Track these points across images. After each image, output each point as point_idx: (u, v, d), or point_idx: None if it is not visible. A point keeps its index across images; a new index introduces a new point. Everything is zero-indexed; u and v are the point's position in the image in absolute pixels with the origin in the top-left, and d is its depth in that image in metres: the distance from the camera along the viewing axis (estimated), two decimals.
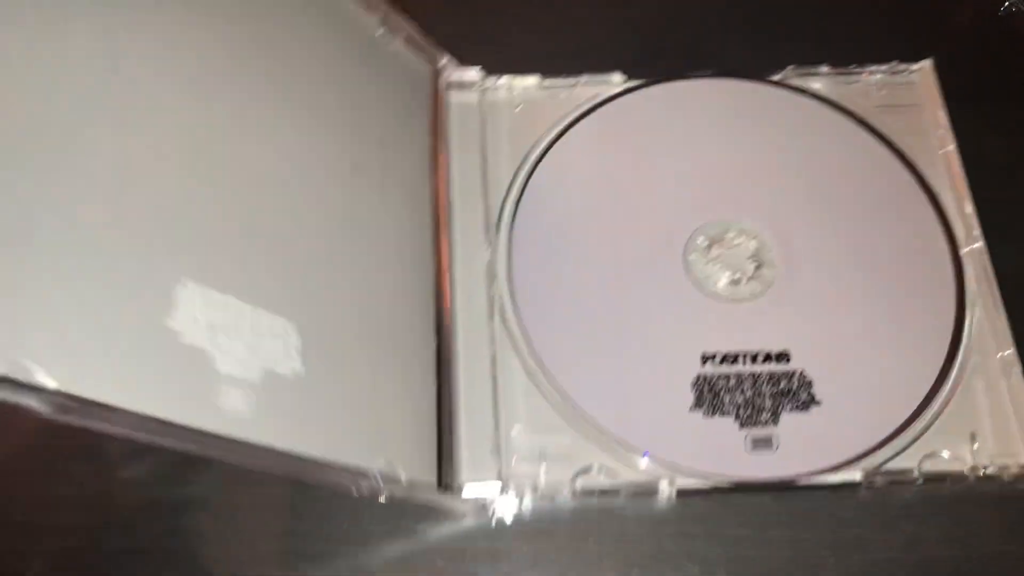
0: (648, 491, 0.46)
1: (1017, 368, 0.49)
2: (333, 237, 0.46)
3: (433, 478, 0.45)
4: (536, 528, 0.47)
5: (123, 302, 0.33)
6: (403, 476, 0.43)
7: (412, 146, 0.54)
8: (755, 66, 0.58)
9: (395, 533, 0.47)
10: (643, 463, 0.47)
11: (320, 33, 0.51)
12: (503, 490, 0.46)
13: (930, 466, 0.47)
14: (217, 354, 0.35)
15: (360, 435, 0.42)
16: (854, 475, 0.47)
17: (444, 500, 0.46)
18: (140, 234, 0.34)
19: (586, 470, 0.47)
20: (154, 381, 0.33)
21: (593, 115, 0.56)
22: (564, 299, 0.51)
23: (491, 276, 0.51)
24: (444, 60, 0.57)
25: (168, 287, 0.34)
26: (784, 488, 0.47)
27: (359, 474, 0.41)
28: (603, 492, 0.46)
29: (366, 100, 0.52)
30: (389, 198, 0.51)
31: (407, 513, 0.47)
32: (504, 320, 0.50)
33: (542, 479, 0.47)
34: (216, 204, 0.39)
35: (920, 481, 0.47)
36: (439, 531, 0.46)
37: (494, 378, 0.49)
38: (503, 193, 0.54)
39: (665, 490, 0.46)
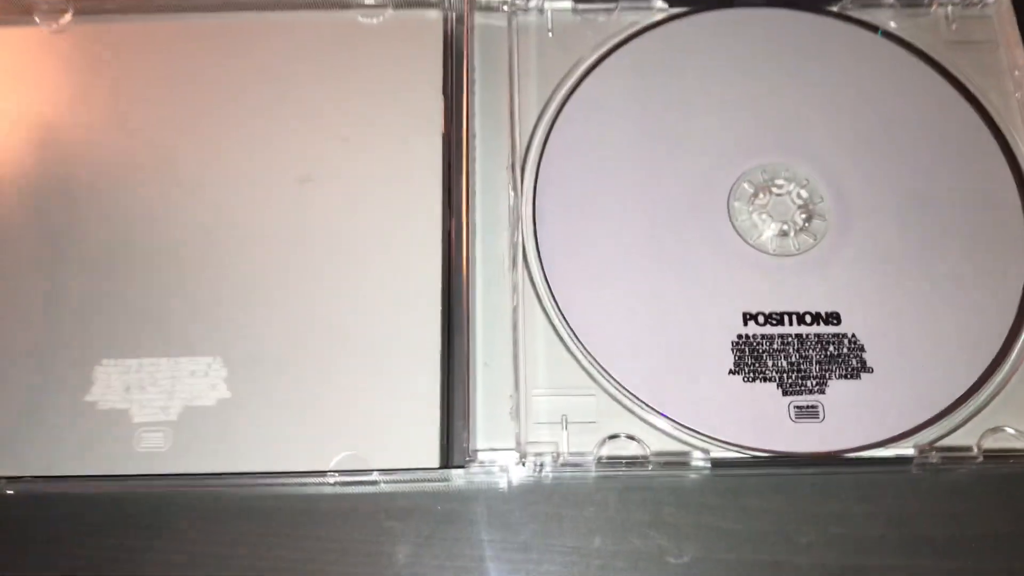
0: (680, 462, 0.43)
1: None
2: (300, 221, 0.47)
3: (434, 455, 0.42)
4: (557, 500, 0.43)
5: (51, 389, 0.44)
6: (375, 464, 0.42)
7: (421, 79, 0.49)
8: None
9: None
10: (675, 431, 0.43)
11: None
12: (521, 459, 0.42)
13: (992, 443, 0.43)
14: (134, 408, 0.43)
15: (311, 436, 0.43)
16: (907, 450, 0.43)
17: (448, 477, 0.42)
18: (64, 327, 0.45)
19: (613, 437, 0.43)
20: (78, 446, 0.43)
21: (632, 44, 0.51)
22: (593, 248, 0.46)
23: (514, 221, 0.46)
24: None
25: (87, 369, 0.44)
26: (830, 462, 0.43)
27: (316, 474, 0.42)
28: (630, 462, 0.42)
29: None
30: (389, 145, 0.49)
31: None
32: (528, 270, 0.46)
33: (565, 446, 0.43)
34: (140, 272, 0.46)
35: (980, 459, 0.43)
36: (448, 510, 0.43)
37: (515, 335, 0.44)
38: (530, 129, 0.49)
39: (699, 462, 0.42)
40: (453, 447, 0.43)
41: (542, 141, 0.48)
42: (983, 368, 0.44)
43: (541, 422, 0.43)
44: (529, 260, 0.46)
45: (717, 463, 0.42)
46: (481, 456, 0.42)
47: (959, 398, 0.43)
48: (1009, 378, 0.44)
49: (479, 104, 0.49)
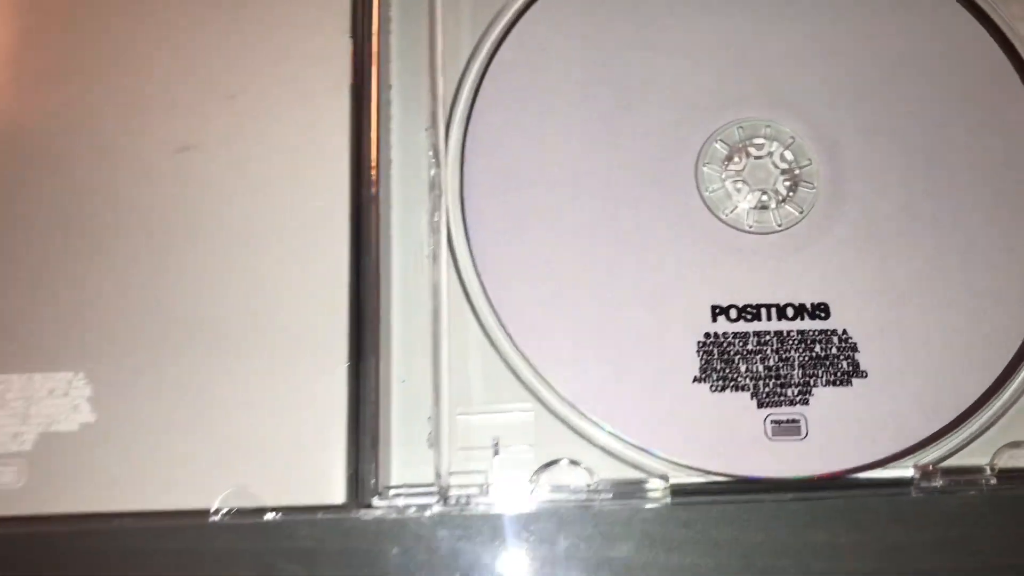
0: (636, 491, 0.35)
1: None
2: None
3: (340, 490, 0.35)
4: (485, 538, 0.36)
5: None
6: (267, 502, 0.35)
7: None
8: None
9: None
10: (630, 453, 0.36)
11: None
12: (443, 494, 0.35)
13: (1008, 461, 0.36)
14: None
15: (193, 468, 0.36)
16: (906, 471, 0.36)
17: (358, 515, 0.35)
18: None
19: (553, 463, 0.36)
20: None
21: None
22: (533, 229, 0.38)
23: (435, 199, 0.38)
24: None
25: None
26: (813, 487, 0.36)
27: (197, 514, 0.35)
28: (576, 492, 0.35)
29: None
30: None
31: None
32: (453, 259, 0.38)
33: (496, 476, 0.35)
34: None
35: (992, 480, 0.36)
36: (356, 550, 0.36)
37: (435, 341, 0.37)
38: (456, 78, 0.40)
39: (657, 490, 0.35)
40: (363, 480, 0.36)
41: (471, 93, 0.40)
42: (999, 370, 0.37)
43: (468, 447, 0.36)
44: (455, 246, 0.38)
45: (678, 491, 0.35)
46: (394, 492, 0.35)
47: (970, 407, 0.36)
48: None
49: (396, 49, 0.40)
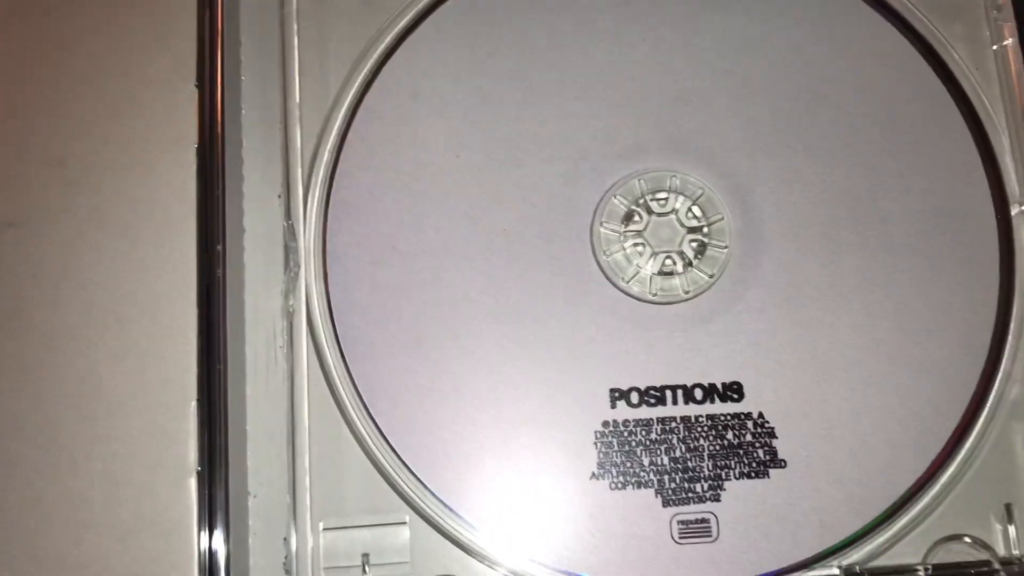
0: None
1: None
2: None
3: None
4: None
5: None
6: None
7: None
8: None
9: None
10: (522, 565, 0.32)
11: None
12: None
13: (944, 557, 0.32)
14: None
15: None
16: (831, 573, 0.32)
17: None
18: None
19: None
20: None
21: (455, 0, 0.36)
22: (406, 304, 0.33)
23: (291, 279, 0.33)
24: None
25: None
26: None
27: None
28: None
29: None
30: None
31: None
32: (315, 347, 0.33)
33: None
34: None
35: None
36: None
37: (290, 446, 0.32)
38: (317, 133, 0.35)
39: None
40: None
41: (334, 148, 0.35)
42: (935, 454, 0.32)
43: (334, 567, 0.32)
44: (315, 328, 0.33)
45: None
46: None
47: (901, 498, 0.32)
48: (970, 465, 0.33)
49: (251, 98, 0.35)
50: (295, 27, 0.35)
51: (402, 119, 0.35)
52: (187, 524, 0.32)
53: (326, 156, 0.34)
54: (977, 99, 0.35)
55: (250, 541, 0.32)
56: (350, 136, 0.35)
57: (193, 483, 0.32)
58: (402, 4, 0.36)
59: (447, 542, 0.32)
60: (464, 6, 0.36)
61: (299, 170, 0.34)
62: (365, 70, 0.35)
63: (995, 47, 0.36)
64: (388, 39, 0.35)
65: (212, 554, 0.31)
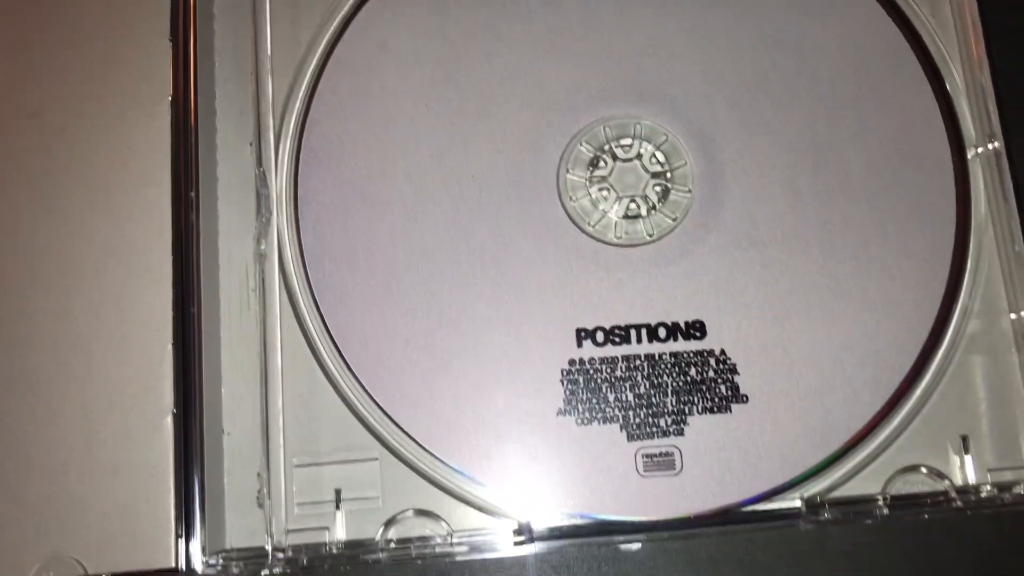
0: (495, 540, 0.32)
1: None
2: None
3: (168, 554, 0.31)
4: None
5: None
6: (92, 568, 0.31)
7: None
8: None
9: None
10: (488, 498, 0.32)
11: None
12: (276, 557, 0.31)
13: (902, 487, 0.33)
14: None
15: (5, 534, 0.32)
16: (793, 503, 0.32)
17: None
18: None
19: (400, 517, 0.32)
20: None
21: None
22: (377, 250, 0.34)
23: (263, 224, 0.34)
24: None
25: None
26: (691, 526, 0.33)
27: None
28: (427, 545, 0.32)
29: None
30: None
31: None
32: (286, 288, 0.34)
33: (338, 533, 0.32)
34: None
35: (885, 510, 0.32)
36: None
37: (264, 378, 0.33)
38: (288, 84, 0.36)
39: (515, 540, 0.32)
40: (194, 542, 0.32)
41: (305, 98, 0.35)
42: (894, 388, 0.33)
43: (306, 502, 0.32)
44: (288, 272, 0.34)
45: (542, 537, 0.32)
46: (225, 556, 0.31)
47: (860, 431, 0.33)
48: (927, 398, 0.33)
49: (224, 51, 0.36)
50: None
51: (372, 70, 0.36)
52: (164, 463, 0.32)
53: (297, 106, 0.35)
54: (934, 47, 0.36)
55: (224, 478, 0.33)
56: (321, 87, 0.35)
57: (169, 423, 0.33)
58: None
59: (417, 477, 0.33)
60: None
61: (270, 120, 0.35)
62: (335, 23, 0.36)
63: None
64: None
65: (188, 490, 0.32)
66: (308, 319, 0.34)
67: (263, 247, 0.34)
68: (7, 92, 0.35)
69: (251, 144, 0.35)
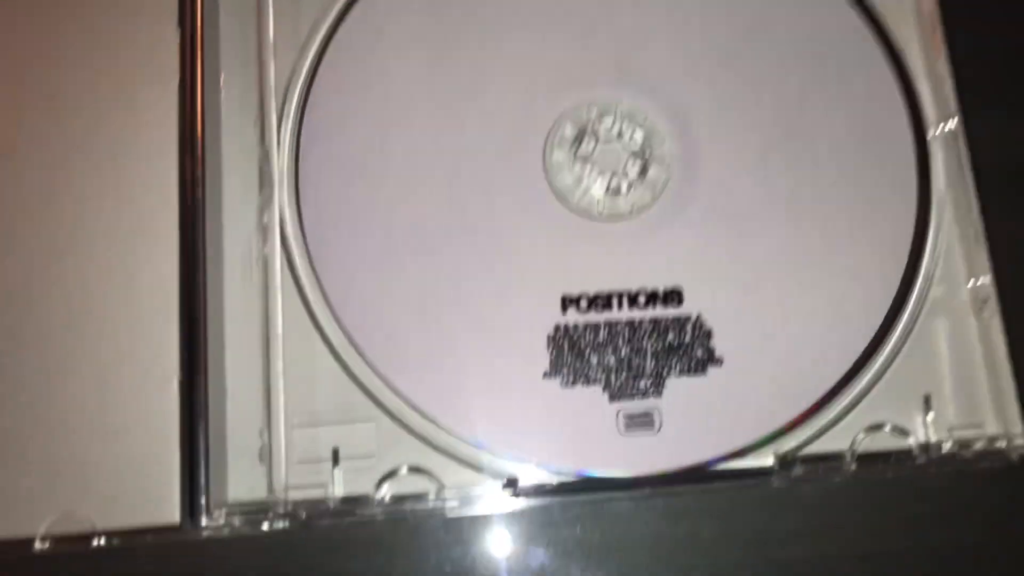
0: (484, 496, 0.34)
1: (993, 302, 0.36)
2: None
3: (174, 509, 0.33)
4: (325, 554, 0.34)
5: None
6: (100, 524, 0.32)
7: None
8: None
9: None
10: (478, 456, 0.34)
11: None
12: (276, 511, 0.33)
13: (870, 444, 0.35)
14: None
15: (13, 491, 0.33)
16: (765, 460, 0.34)
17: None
18: None
19: (395, 473, 0.34)
20: None
21: None
22: (376, 222, 0.36)
23: (267, 197, 0.36)
24: None
25: None
26: (670, 482, 0.34)
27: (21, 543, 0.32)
28: (421, 501, 0.34)
29: None
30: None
31: None
32: (287, 256, 0.36)
33: (336, 489, 0.34)
34: None
35: (852, 466, 0.34)
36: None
37: (266, 343, 0.35)
38: (290, 65, 0.38)
39: (503, 494, 0.34)
40: (197, 498, 0.34)
41: (306, 80, 0.37)
42: (860, 351, 0.35)
43: (306, 460, 0.34)
44: (288, 242, 0.36)
45: (530, 493, 0.34)
46: (228, 510, 0.33)
47: (828, 391, 0.35)
48: (892, 360, 0.35)
49: (229, 36, 0.38)
50: None
51: (370, 53, 0.38)
52: (171, 422, 0.34)
53: (299, 88, 0.37)
54: (893, 31, 0.38)
55: (227, 436, 0.34)
56: (321, 69, 0.37)
57: (175, 386, 0.34)
58: None
59: (411, 437, 0.34)
60: None
61: (273, 100, 0.37)
62: (335, 10, 0.38)
63: None
64: None
65: (193, 450, 0.34)
66: (307, 287, 0.35)
67: (266, 219, 0.35)
68: (25, 74, 0.37)
69: (255, 123, 0.37)
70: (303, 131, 0.37)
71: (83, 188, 0.36)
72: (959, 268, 0.36)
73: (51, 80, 0.37)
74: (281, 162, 0.36)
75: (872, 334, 0.35)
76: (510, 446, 0.34)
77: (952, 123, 0.37)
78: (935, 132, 0.37)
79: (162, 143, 0.36)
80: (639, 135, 0.37)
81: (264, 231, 0.36)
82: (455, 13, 0.38)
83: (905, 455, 0.34)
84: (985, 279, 0.36)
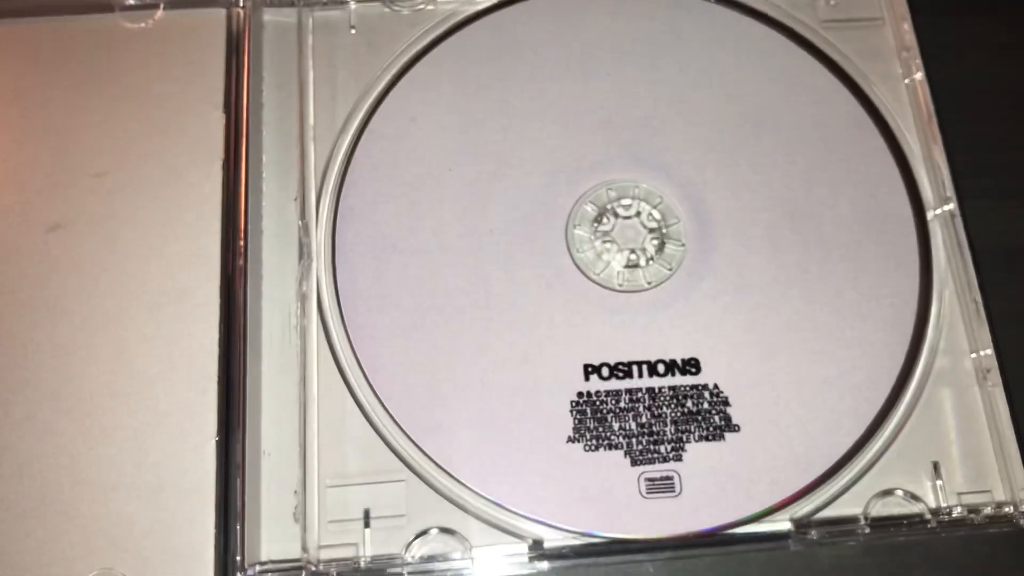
0: (512, 556, 0.35)
1: (996, 372, 0.37)
2: None
3: (207, 568, 0.34)
4: None
5: None
6: None
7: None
8: None
9: None
10: (504, 518, 0.35)
11: None
12: (309, 570, 0.34)
13: (881, 509, 0.36)
14: None
15: (55, 549, 0.35)
16: (782, 525, 0.35)
17: None
18: None
19: (424, 534, 0.35)
20: None
21: (451, 40, 0.42)
22: (406, 293, 0.38)
23: (305, 268, 0.38)
24: None
25: None
26: (690, 545, 0.35)
27: None
28: (450, 560, 0.35)
29: None
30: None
31: None
32: (323, 324, 0.38)
33: (367, 549, 0.35)
34: None
35: (866, 530, 0.35)
36: None
37: (301, 410, 0.36)
38: (328, 150, 0.40)
39: (528, 555, 0.35)
40: (233, 558, 0.35)
41: (343, 163, 0.40)
42: (870, 419, 0.37)
43: (337, 520, 0.35)
44: (325, 312, 0.38)
45: (554, 555, 0.35)
46: (261, 569, 0.34)
47: (841, 458, 0.36)
48: (901, 428, 0.37)
49: (271, 122, 0.41)
50: (310, 63, 0.41)
51: (402, 138, 0.40)
52: (208, 482, 0.35)
53: (336, 168, 0.40)
54: (893, 123, 0.41)
55: (263, 495, 0.35)
56: (357, 152, 0.40)
57: (212, 447, 0.36)
58: (401, 46, 0.42)
59: (440, 498, 0.36)
60: (456, 47, 0.42)
61: (312, 180, 0.40)
62: (370, 100, 0.41)
63: (906, 80, 0.42)
64: (391, 74, 0.41)
65: (229, 507, 0.35)
66: (342, 353, 0.37)
67: (304, 288, 0.37)
68: (79, 154, 0.40)
69: (295, 199, 0.39)
70: (340, 208, 0.39)
71: (131, 259, 0.38)
72: (961, 340, 0.38)
73: (104, 161, 0.40)
74: (319, 236, 0.39)
75: (881, 403, 0.37)
76: (535, 508, 0.35)
77: (949, 206, 0.39)
78: (934, 213, 0.40)
79: (206, 217, 0.39)
80: (656, 214, 0.40)
81: (302, 300, 0.37)
82: (481, 102, 0.41)
83: (917, 519, 0.36)
84: (987, 351, 0.37)
